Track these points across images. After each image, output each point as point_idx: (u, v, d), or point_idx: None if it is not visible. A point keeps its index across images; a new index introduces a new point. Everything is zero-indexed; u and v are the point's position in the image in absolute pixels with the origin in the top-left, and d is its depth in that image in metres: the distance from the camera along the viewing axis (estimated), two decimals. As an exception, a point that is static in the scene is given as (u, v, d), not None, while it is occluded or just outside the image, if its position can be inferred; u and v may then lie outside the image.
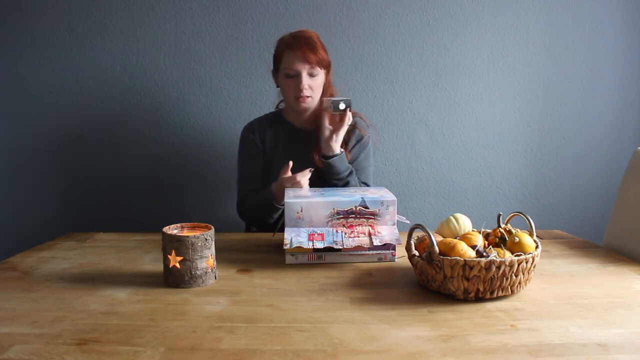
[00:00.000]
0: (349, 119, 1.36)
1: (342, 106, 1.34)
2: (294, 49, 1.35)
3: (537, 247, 0.91)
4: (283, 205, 1.29)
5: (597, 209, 1.99)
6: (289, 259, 1.07)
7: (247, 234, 1.43)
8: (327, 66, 1.41)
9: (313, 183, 1.31)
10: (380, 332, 0.73)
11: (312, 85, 1.37)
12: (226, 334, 0.73)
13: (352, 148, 1.46)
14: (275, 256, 1.11)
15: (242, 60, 1.90)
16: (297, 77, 1.36)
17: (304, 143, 1.43)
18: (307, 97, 1.37)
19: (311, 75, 1.37)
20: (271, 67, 1.47)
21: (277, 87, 1.47)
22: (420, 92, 1.93)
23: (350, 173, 1.39)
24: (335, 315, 0.79)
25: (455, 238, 0.92)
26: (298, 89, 1.36)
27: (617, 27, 1.91)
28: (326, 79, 1.43)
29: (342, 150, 1.39)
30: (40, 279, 0.97)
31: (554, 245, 1.21)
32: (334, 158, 1.36)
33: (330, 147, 1.35)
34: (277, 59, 1.41)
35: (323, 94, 1.43)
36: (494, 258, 0.82)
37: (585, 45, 1.92)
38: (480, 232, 0.96)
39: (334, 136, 1.35)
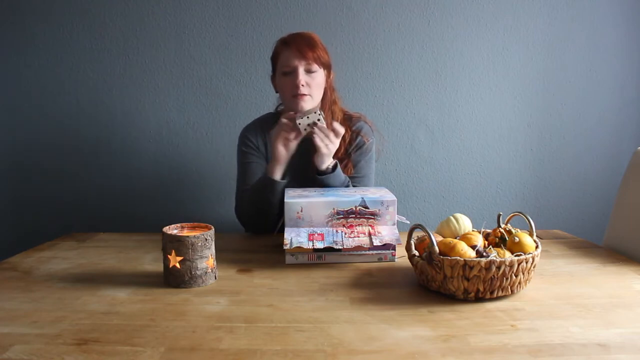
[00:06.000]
0: (336, 134, 1.25)
1: (309, 121, 1.22)
2: (290, 45, 1.32)
3: (537, 247, 0.91)
4: (281, 180, 1.27)
5: (597, 209, 2.00)
6: (289, 259, 1.07)
7: (247, 234, 1.43)
8: (327, 66, 1.37)
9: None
10: (380, 332, 0.73)
11: (310, 83, 1.32)
12: (226, 334, 0.73)
13: (352, 154, 1.42)
14: (275, 256, 1.11)
15: (242, 60, 1.90)
16: (294, 72, 1.31)
17: (305, 148, 1.36)
18: (305, 95, 1.32)
19: (308, 72, 1.32)
20: (270, 71, 1.44)
21: (276, 92, 1.42)
22: (420, 92, 1.93)
23: (347, 186, 1.33)
24: (335, 315, 0.79)
25: (455, 238, 0.92)
26: (294, 85, 1.31)
27: (617, 27, 1.91)
28: (327, 81, 1.39)
29: (336, 162, 1.31)
30: (40, 279, 0.97)
31: (554, 245, 1.21)
32: (327, 176, 1.29)
33: (319, 165, 1.29)
34: (274, 59, 1.38)
35: (324, 98, 1.39)
36: (494, 258, 0.82)
37: (586, 45, 1.92)
38: (480, 232, 0.96)
39: (321, 156, 1.27)
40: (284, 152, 1.27)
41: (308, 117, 1.24)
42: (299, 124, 1.24)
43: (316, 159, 1.29)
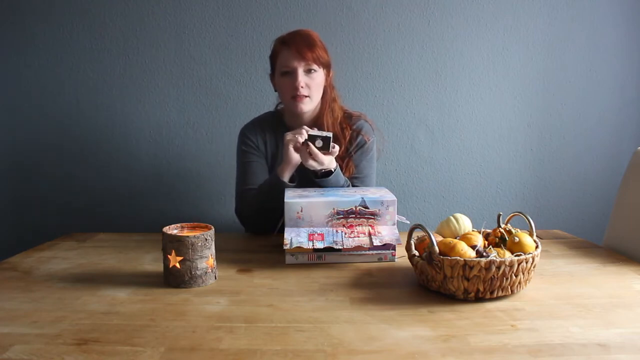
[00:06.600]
0: (332, 155, 1.23)
1: (318, 144, 1.20)
2: (290, 45, 1.31)
3: (537, 247, 0.91)
4: (289, 183, 1.26)
5: (597, 209, 2.00)
6: (289, 259, 1.07)
7: (247, 234, 1.42)
8: (326, 65, 1.37)
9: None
10: (380, 332, 0.73)
11: (310, 83, 1.32)
12: (226, 334, 0.73)
13: (353, 154, 1.41)
14: (275, 256, 1.11)
15: (242, 60, 1.90)
16: (293, 74, 1.31)
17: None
18: (305, 96, 1.32)
19: (308, 72, 1.32)
20: (269, 69, 1.44)
21: (275, 91, 1.42)
22: (420, 92, 1.93)
23: (348, 186, 1.32)
24: (335, 315, 0.79)
25: (455, 238, 0.92)
26: (294, 86, 1.30)
27: (617, 27, 1.91)
28: (326, 80, 1.38)
29: (336, 165, 1.28)
30: (40, 279, 0.97)
31: (554, 245, 1.21)
32: (322, 179, 1.27)
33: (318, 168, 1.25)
34: (273, 58, 1.38)
35: (324, 97, 1.39)
36: (494, 258, 0.82)
37: (586, 45, 1.92)
38: (480, 232, 0.96)
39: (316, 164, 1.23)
40: (295, 156, 1.25)
41: (320, 139, 1.21)
42: (307, 135, 1.21)
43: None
